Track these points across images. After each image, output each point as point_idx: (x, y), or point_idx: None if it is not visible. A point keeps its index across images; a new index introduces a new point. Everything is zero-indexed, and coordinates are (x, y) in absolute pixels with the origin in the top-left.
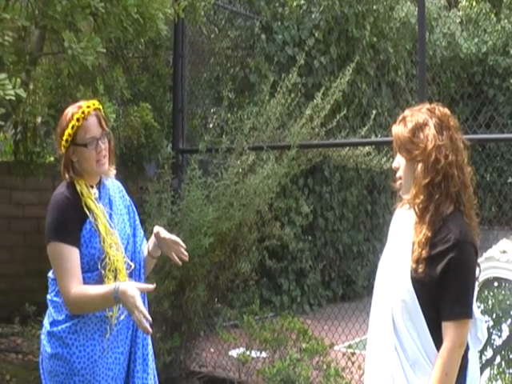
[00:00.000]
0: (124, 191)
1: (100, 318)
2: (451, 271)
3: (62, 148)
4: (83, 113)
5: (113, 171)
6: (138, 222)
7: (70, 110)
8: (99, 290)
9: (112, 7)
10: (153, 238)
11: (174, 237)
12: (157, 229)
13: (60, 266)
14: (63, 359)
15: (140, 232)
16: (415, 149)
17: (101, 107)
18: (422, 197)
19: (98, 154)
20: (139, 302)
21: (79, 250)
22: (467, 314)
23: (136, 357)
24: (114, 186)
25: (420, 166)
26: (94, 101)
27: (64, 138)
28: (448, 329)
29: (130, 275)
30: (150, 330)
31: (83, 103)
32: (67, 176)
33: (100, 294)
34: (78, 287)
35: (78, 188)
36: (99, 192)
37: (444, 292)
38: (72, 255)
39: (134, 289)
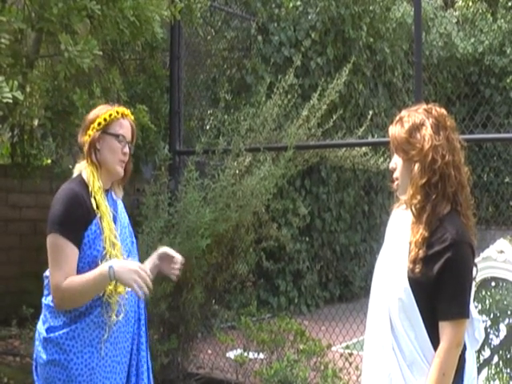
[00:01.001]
0: (125, 210)
1: (98, 324)
2: (448, 271)
3: (90, 131)
4: (124, 111)
5: (122, 192)
6: (135, 245)
7: (110, 105)
8: (89, 273)
9: (108, 10)
10: (152, 259)
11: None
12: (164, 249)
13: (56, 258)
14: (61, 365)
15: (136, 255)
16: (412, 149)
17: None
18: (418, 197)
19: (122, 154)
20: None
21: (82, 250)
22: (464, 313)
23: (141, 371)
24: (120, 203)
25: (417, 166)
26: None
27: (98, 120)
28: (445, 329)
29: None
30: (146, 291)
31: (123, 107)
32: (90, 160)
33: (90, 275)
34: (67, 279)
35: (92, 180)
36: (106, 197)
37: (441, 292)
38: (70, 252)
39: (132, 263)
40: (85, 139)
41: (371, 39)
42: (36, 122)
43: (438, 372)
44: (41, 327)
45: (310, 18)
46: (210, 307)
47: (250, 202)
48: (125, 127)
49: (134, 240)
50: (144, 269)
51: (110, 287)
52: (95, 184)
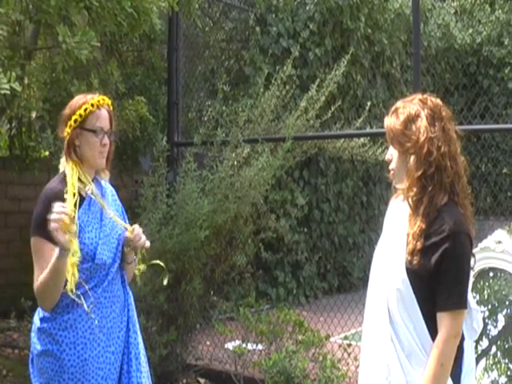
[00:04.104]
0: (116, 196)
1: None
2: (446, 261)
3: (68, 128)
4: (99, 101)
5: (108, 174)
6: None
7: (84, 96)
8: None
9: (106, 1)
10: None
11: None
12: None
13: (37, 261)
14: (53, 356)
15: None
16: (407, 141)
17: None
18: (415, 189)
19: (101, 146)
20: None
21: None
22: (462, 304)
23: (130, 357)
24: (107, 187)
25: (413, 158)
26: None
27: (74, 117)
28: (443, 319)
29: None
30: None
31: (98, 95)
32: (69, 158)
33: (50, 263)
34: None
35: (70, 176)
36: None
37: (439, 283)
38: (51, 254)
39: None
40: (64, 136)
41: (369, 30)
42: (34, 115)
43: (436, 362)
44: (36, 318)
45: (308, 8)
46: (208, 298)
47: (248, 194)
48: (102, 118)
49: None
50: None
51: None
52: (71, 181)
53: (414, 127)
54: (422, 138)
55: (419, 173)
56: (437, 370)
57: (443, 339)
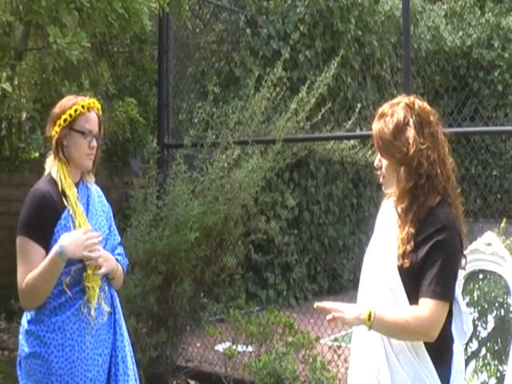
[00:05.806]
0: (103, 197)
1: (79, 317)
2: (434, 253)
3: (57, 127)
4: (89, 104)
5: (92, 178)
6: (113, 228)
7: (74, 97)
8: (42, 263)
9: (97, 2)
10: None
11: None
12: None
13: (22, 261)
14: (41, 358)
15: (114, 239)
16: (397, 152)
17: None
18: (406, 201)
19: (89, 148)
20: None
21: (53, 246)
22: (445, 297)
23: (117, 360)
24: (93, 188)
25: (402, 169)
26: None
27: (63, 117)
28: (424, 304)
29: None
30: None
31: (88, 98)
32: (57, 157)
33: (43, 264)
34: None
35: (61, 176)
36: (77, 191)
37: (424, 274)
38: (36, 254)
39: (75, 233)
40: (52, 135)
41: (360, 32)
42: (24, 115)
43: (403, 321)
44: (24, 320)
45: (298, 10)
46: (198, 300)
47: (238, 195)
48: (91, 121)
49: (113, 225)
50: (87, 231)
51: (88, 284)
52: (64, 182)
53: (403, 137)
54: (412, 150)
55: (410, 184)
56: (400, 324)
57: (420, 317)
